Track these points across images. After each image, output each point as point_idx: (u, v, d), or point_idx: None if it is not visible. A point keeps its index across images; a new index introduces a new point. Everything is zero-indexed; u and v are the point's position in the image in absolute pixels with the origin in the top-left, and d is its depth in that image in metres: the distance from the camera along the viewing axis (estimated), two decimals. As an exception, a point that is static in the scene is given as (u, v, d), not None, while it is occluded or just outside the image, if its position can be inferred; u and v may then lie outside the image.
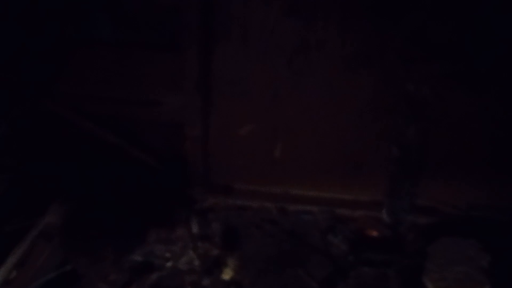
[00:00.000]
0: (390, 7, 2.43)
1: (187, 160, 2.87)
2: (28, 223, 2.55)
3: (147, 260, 2.62)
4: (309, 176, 2.88)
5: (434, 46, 2.47)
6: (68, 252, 2.52)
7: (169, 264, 2.61)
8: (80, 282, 2.46)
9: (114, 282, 2.50)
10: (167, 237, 2.72)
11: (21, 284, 2.32)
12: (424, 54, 2.49)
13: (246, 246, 2.74)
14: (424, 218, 2.83)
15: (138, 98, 2.77)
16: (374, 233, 2.80)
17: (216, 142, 2.84)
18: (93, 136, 2.87)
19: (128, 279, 2.52)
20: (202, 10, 2.47)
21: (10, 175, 2.66)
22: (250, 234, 2.81)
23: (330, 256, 2.68)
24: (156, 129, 2.88)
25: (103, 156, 2.87)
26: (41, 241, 2.54)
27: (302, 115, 2.72)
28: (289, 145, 2.81)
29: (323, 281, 2.54)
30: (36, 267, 2.41)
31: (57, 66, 2.72)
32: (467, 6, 2.37)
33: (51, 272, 2.43)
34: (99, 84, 2.76)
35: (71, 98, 2.80)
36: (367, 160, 2.80)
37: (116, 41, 2.63)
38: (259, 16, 2.48)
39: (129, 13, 2.56)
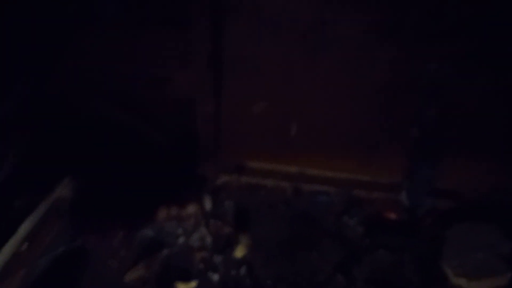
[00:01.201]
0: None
1: (198, 138, 2.82)
2: (38, 198, 2.53)
3: (157, 237, 2.59)
4: (325, 155, 2.80)
5: (457, 23, 2.34)
6: (78, 228, 2.51)
7: (180, 240, 2.58)
8: (89, 258, 2.45)
9: (123, 259, 2.49)
10: (178, 214, 2.68)
11: (30, 258, 2.31)
12: (446, 31, 2.36)
13: (258, 226, 2.69)
14: (443, 202, 2.73)
15: (148, 75, 2.72)
16: (391, 216, 2.73)
17: (229, 119, 2.78)
18: (104, 114, 2.84)
19: (137, 256, 2.50)
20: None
21: (20, 151, 2.64)
22: (263, 214, 2.75)
23: (345, 239, 2.62)
24: (168, 107, 2.83)
25: (113, 133, 2.84)
26: (51, 216, 2.52)
27: (317, 92, 2.62)
28: (304, 123, 2.74)
29: (337, 264, 2.48)
30: (46, 242, 2.40)
31: (65, 44, 2.68)
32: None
33: (61, 247, 2.42)
34: (109, 61, 2.71)
35: (81, 76, 2.76)
36: (386, 140, 2.71)
37: (125, 18, 2.57)
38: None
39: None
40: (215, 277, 2.40)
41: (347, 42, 2.47)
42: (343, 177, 2.84)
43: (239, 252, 2.53)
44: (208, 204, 2.75)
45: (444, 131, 2.60)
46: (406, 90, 2.55)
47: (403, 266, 2.47)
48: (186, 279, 2.36)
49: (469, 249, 2.45)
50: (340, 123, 2.70)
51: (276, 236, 2.64)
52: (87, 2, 2.56)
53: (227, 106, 2.75)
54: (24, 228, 2.34)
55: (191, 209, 2.70)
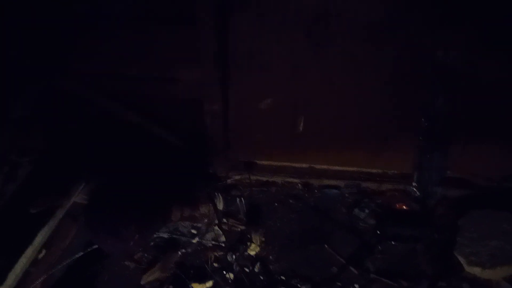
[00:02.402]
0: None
1: (208, 137, 2.83)
2: (54, 204, 2.58)
3: (172, 238, 2.63)
4: (333, 150, 2.81)
5: (464, 9, 2.30)
6: (94, 232, 2.54)
7: (194, 240, 2.61)
8: (106, 261, 2.50)
9: (139, 260, 2.53)
10: (191, 215, 2.71)
11: (49, 264, 2.37)
12: (452, 18, 2.33)
13: (270, 222, 2.72)
14: (455, 191, 2.72)
15: (155, 74, 2.72)
16: (402, 207, 2.72)
17: (237, 117, 2.79)
18: (114, 115, 2.86)
19: (153, 257, 2.54)
20: (217, -19, 2.37)
21: (33, 157, 2.68)
22: (274, 210, 2.78)
23: (357, 231, 2.63)
24: (177, 106, 2.84)
25: (125, 135, 2.86)
26: (68, 221, 2.57)
27: (324, 87, 2.61)
28: (312, 119, 2.73)
29: (349, 256, 2.50)
30: (63, 247, 2.46)
31: (72, 45, 2.69)
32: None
33: (78, 252, 2.47)
34: (116, 61, 2.71)
35: (89, 77, 2.78)
36: (395, 132, 2.69)
37: (131, 17, 2.57)
38: (275, -16, 2.37)
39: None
40: (230, 276, 2.43)
41: (352, 35, 2.45)
42: (352, 170, 2.85)
43: (253, 249, 2.56)
44: (220, 203, 2.77)
45: (454, 119, 2.57)
46: (414, 80, 2.52)
47: (416, 256, 2.48)
48: (202, 279, 2.39)
49: (483, 237, 2.44)
50: (348, 117, 2.69)
51: (289, 231, 2.67)
52: (96, 3, 2.57)
53: (235, 104, 2.75)
54: (40, 236, 2.39)
55: (204, 208, 2.73)
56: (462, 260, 2.38)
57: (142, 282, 2.41)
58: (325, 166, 2.88)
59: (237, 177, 2.93)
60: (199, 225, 2.68)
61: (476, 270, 2.34)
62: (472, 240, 2.43)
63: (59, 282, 2.36)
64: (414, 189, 2.74)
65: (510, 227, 2.46)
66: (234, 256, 2.53)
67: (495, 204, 2.56)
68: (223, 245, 2.59)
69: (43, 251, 2.39)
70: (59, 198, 2.60)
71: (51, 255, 2.39)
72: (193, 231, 2.66)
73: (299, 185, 2.89)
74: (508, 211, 2.52)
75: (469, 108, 2.54)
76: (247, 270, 2.47)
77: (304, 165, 2.91)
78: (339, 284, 2.38)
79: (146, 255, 2.56)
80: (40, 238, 2.41)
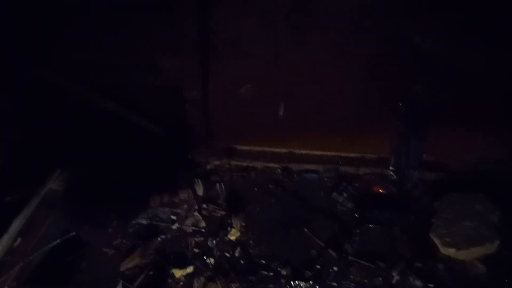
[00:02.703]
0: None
1: (188, 124, 2.82)
2: (30, 192, 2.54)
3: (151, 224, 2.62)
4: (313, 135, 2.82)
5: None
6: (72, 219, 2.52)
7: (174, 226, 2.60)
8: (84, 248, 2.47)
9: (118, 247, 2.51)
10: (171, 201, 2.71)
11: (25, 252, 2.33)
12: (433, 5, 2.34)
13: (250, 207, 2.72)
14: (431, 174, 2.78)
15: (136, 63, 2.68)
16: (380, 191, 2.76)
17: (217, 104, 2.77)
18: (94, 104, 2.81)
19: (132, 243, 2.52)
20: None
21: (10, 145, 2.62)
22: (254, 195, 2.79)
23: (335, 214, 2.67)
24: (157, 94, 2.80)
25: (104, 123, 2.83)
26: (44, 209, 2.54)
27: (305, 73, 2.62)
28: (292, 105, 2.74)
29: (328, 239, 2.52)
30: (39, 235, 2.42)
31: (51, 35, 2.63)
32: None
33: (55, 239, 2.43)
34: (96, 50, 2.67)
35: (69, 66, 2.72)
36: (373, 117, 2.72)
37: (111, 6, 2.52)
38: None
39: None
40: (211, 261, 2.43)
41: (333, 20, 2.44)
42: (331, 155, 2.87)
43: (233, 234, 2.56)
44: (199, 188, 2.77)
45: (432, 104, 2.61)
46: (394, 67, 2.54)
47: (393, 238, 2.52)
48: (182, 265, 2.39)
49: (458, 218, 2.50)
50: (328, 103, 2.71)
51: (268, 215, 2.68)
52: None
53: (215, 91, 2.74)
54: (15, 224, 2.35)
55: (184, 194, 2.72)
56: (437, 241, 2.43)
57: (122, 269, 2.39)
58: (304, 151, 2.90)
59: (217, 163, 2.92)
60: (179, 211, 2.68)
61: (450, 251, 2.39)
62: (448, 222, 2.49)
63: (36, 271, 2.32)
64: (391, 173, 2.78)
65: (484, 208, 2.53)
66: (214, 241, 2.53)
67: (471, 187, 2.62)
68: (203, 230, 2.59)
69: (19, 239, 2.35)
70: (34, 186, 2.56)
71: (27, 243, 2.35)
72: (173, 217, 2.65)
73: (279, 170, 2.90)
74: (482, 193, 2.59)
75: (447, 94, 2.58)
76: (227, 255, 2.48)
77: (283, 150, 2.92)
78: (318, 267, 2.40)
79: (125, 241, 2.53)
80: (15, 226, 2.37)
